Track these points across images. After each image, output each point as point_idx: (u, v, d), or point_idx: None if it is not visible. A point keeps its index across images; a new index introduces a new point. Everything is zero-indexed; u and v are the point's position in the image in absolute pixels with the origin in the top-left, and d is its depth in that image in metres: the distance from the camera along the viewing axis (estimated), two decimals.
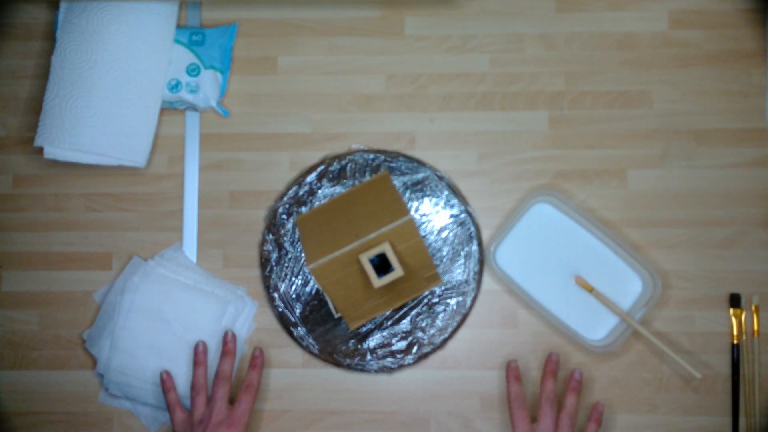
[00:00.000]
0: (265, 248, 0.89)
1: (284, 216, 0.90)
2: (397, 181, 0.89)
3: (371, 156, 0.90)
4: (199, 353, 0.87)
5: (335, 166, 0.90)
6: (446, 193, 0.89)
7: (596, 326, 0.87)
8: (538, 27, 0.92)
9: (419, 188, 0.89)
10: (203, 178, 0.92)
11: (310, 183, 0.90)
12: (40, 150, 0.89)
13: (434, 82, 0.92)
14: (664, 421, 0.87)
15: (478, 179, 0.91)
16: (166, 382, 0.86)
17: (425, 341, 0.88)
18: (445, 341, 0.88)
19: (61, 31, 0.89)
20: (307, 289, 0.89)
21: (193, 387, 0.85)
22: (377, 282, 0.77)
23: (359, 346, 0.88)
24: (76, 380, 0.90)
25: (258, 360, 0.87)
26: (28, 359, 0.91)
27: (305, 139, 0.92)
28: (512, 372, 0.85)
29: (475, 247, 0.88)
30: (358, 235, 0.78)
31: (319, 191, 0.90)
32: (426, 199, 0.89)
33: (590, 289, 0.86)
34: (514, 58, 0.92)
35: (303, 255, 0.89)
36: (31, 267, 0.91)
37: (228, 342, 0.87)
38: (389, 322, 0.88)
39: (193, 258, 0.91)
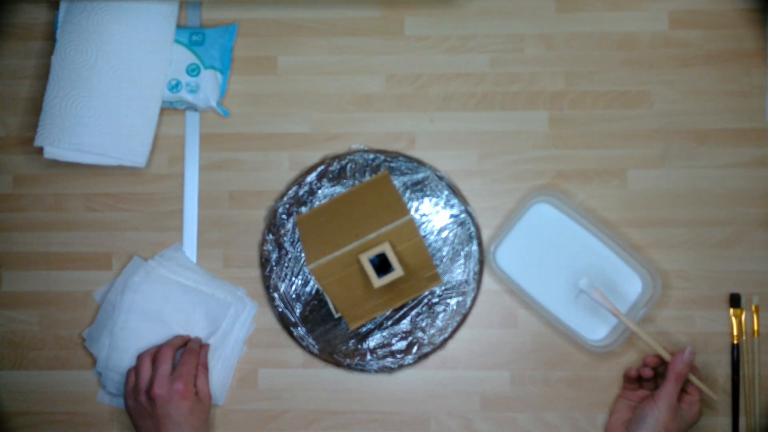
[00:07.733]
0: (265, 248, 0.89)
1: (284, 216, 0.90)
2: (397, 181, 0.89)
3: (371, 156, 0.90)
4: (184, 340, 0.88)
5: (335, 166, 0.90)
6: (446, 193, 0.89)
7: (596, 326, 0.87)
8: (538, 27, 0.92)
9: (419, 188, 0.89)
10: (203, 178, 0.92)
11: (310, 183, 0.90)
12: (40, 150, 0.89)
13: (434, 82, 0.92)
14: None
15: (478, 179, 0.91)
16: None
17: (425, 341, 0.88)
18: (445, 341, 0.88)
19: (61, 31, 0.89)
20: (307, 289, 0.89)
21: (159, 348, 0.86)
22: (377, 282, 0.77)
23: (359, 346, 0.88)
24: (76, 380, 0.90)
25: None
26: (28, 359, 0.90)
27: (305, 139, 0.92)
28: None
29: (475, 247, 0.88)
30: (358, 235, 0.78)
31: (319, 191, 0.90)
32: (426, 199, 0.89)
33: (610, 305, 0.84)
34: (514, 58, 0.92)
35: (303, 255, 0.89)
36: (31, 267, 0.91)
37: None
38: (389, 322, 0.88)
39: (193, 258, 0.91)
